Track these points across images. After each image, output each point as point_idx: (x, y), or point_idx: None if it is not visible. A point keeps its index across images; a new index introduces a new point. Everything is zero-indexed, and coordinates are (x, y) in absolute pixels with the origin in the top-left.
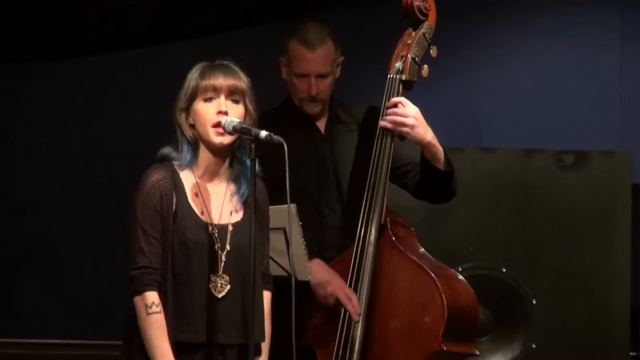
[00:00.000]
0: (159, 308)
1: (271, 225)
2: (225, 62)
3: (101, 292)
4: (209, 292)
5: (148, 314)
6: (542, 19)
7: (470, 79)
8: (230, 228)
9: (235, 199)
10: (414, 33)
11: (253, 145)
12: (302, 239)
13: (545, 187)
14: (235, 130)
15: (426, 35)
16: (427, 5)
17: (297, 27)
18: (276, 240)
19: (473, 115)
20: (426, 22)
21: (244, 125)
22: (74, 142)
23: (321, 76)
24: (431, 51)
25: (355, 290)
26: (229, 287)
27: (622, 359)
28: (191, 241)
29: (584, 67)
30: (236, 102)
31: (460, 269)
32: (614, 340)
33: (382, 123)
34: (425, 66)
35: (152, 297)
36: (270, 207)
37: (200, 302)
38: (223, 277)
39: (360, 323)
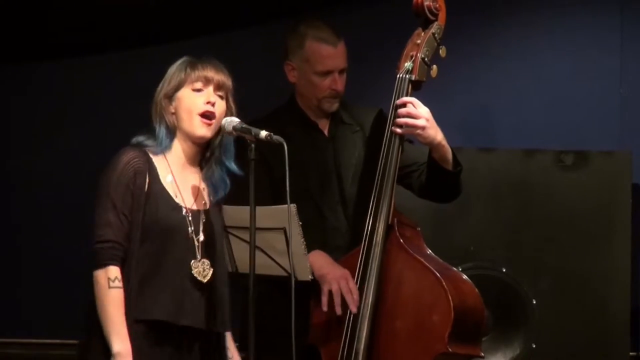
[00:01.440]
0: (120, 284)
1: (271, 225)
2: (211, 57)
3: None
4: (192, 277)
5: (110, 287)
6: (542, 19)
7: (470, 79)
8: (202, 216)
9: (204, 189)
10: (423, 33)
11: (253, 145)
12: (302, 239)
13: (545, 187)
14: (235, 130)
15: (436, 35)
16: (438, 5)
17: (306, 28)
18: (276, 240)
19: (473, 115)
20: (436, 22)
21: (244, 125)
22: (74, 142)
23: (342, 71)
24: (440, 51)
25: (361, 290)
26: (211, 271)
27: (622, 359)
28: (164, 221)
29: (584, 67)
30: (221, 97)
31: (460, 269)
32: (614, 340)
33: (393, 129)
34: (435, 66)
35: (115, 271)
36: (270, 207)
37: (175, 283)
38: (204, 262)
39: (366, 323)
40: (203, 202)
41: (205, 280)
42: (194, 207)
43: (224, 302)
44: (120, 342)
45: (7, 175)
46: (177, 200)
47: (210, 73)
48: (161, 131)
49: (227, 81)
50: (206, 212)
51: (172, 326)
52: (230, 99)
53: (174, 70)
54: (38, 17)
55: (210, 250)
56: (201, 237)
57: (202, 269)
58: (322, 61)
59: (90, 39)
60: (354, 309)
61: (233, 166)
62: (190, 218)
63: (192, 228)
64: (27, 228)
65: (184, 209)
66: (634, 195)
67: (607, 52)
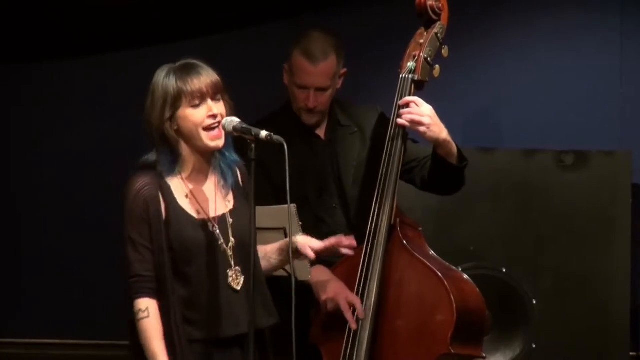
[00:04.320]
0: (147, 313)
1: (271, 225)
2: (193, 62)
3: (101, 292)
4: (230, 286)
5: (138, 319)
6: (542, 19)
7: (470, 79)
8: (229, 218)
9: (223, 188)
10: (426, 33)
11: (254, 145)
12: None
13: (545, 187)
14: (235, 130)
15: (439, 35)
16: (440, 5)
17: (303, 37)
18: (276, 240)
19: (473, 115)
20: (439, 22)
21: (244, 125)
22: (73, 142)
23: (320, 89)
24: (443, 51)
25: (363, 291)
26: (243, 277)
27: (622, 359)
28: (191, 241)
29: (584, 67)
30: (218, 100)
31: (460, 269)
32: (614, 340)
33: (399, 121)
34: (437, 66)
35: (140, 304)
36: (271, 207)
37: (218, 298)
38: (237, 270)
39: (368, 323)
40: (226, 202)
41: (238, 288)
42: (219, 214)
43: (264, 297)
44: None
45: (7, 175)
46: (199, 216)
47: (202, 84)
48: (164, 156)
49: (218, 81)
50: (232, 211)
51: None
52: (226, 96)
53: (163, 87)
54: (38, 17)
55: (243, 250)
56: (232, 243)
57: (235, 277)
58: (299, 75)
59: (90, 39)
60: (353, 326)
61: (234, 155)
62: (217, 230)
63: (222, 238)
64: (27, 228)
65: (209, 223)
66: (634, 195)
67: (607, 52)
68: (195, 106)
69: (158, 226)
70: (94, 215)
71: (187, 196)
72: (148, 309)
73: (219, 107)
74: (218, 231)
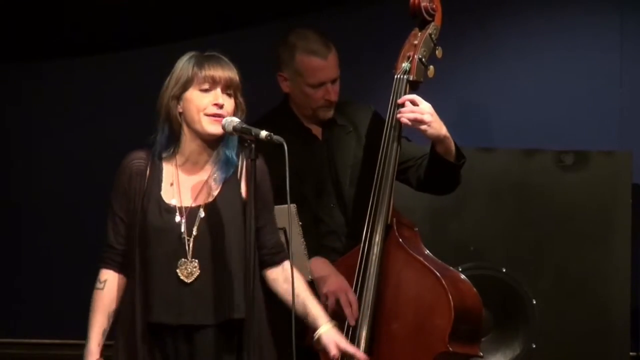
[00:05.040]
0: (102, 285)
1: None
2: (217, 54)
3: None
4: (177, 276)
5: (94, 288)
6: (542, 19)
7: (470, 79)
8: (201, 212)
9: (214, 181)
10: (420, 33)
11: (254, 146)
12: (302, 239)
13: (545, 187)
14: (235, 130)
15: (432, 35)
16: (434, 6)
17: (297, 39)
18: None
19: (473, 115)
20: (432, 23)
21: (244, 126)
22: (73, 142)
23: (335, 80)
24: (437, 52)
25: (361, 290)
26: (198, 272)
27: (622, 359)
28: (152, 225)
29: (584, 67)
30: (230, 95)
31: (460, 269)
32: (614, 340)
33: (402, 119)
34: (432, 67)
35: (102, 274)
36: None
37: (166, 285)
38: (192, 262)
39: (366, 323)
40: (206, 196)
41: (188, 281)
42: (193, 204)
43: (228, 291)
44: (87, 342)
45: (6, 175)
46: (172, 201)
47: (217, 73)
48: (162, 136)
49: (235, 78)
50: (207, 205)
51: (172, 325)
52: (239, 96)
53: (181, 69)
54: (38, 17)
55: (207, 246)
56: (194, 235)
57: (187, 269)
58: (314, 74)
59: (90, 39)
60: (352, 322)
61: (233, 157)
62: (184, 218)
63: (185, 228)
64: (27, 228)
65: (177, 210)
66: (634, 195)
67: (607, 52)
68: (204, 90)
69: (135, 201)
70: (94, 215)
71: (172, 184)
72: (106, 281)
73: (227, 101)
74: (185, 221)
